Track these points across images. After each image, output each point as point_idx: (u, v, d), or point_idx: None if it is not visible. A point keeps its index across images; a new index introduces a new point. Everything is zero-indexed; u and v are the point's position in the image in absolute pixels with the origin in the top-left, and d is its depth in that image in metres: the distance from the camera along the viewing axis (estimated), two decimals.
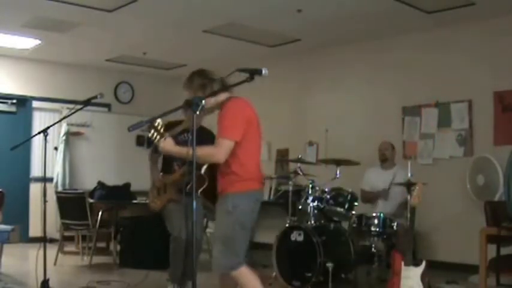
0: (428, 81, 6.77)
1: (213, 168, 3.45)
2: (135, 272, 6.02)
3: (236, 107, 3.38)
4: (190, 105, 2.73)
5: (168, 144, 3.32)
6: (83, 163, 8.63)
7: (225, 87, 3.40)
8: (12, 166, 8.38)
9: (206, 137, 5.36)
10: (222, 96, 3.41)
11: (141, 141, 8.67)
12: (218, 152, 3.27)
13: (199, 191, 3.47)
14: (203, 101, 2.70)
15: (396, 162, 6.15)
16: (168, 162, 4.95)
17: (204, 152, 3.28)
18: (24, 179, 8.64)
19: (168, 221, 4.97)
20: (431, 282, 4.78)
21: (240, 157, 3.32)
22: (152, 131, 3.26)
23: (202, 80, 3.46)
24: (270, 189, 8.14)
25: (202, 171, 3.50)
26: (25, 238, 8.35)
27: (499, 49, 6.18)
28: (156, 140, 3.29)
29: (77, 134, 8.89)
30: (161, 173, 5.04)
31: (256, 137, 3.45)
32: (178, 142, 4.89)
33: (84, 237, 7.22)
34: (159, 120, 3.24)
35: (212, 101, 3.37)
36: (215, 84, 3.42)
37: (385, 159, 6.04)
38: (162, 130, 3.28)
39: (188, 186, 3.88)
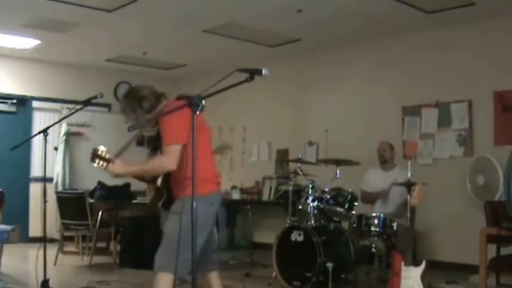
0: (428, 81, 6.77)
1: (168, 178, 3.39)
2: (135, 272, 6.02)
3: (175, 112, 3.19)
4: (190, 105, 2.72)
5: (117, 168, 3.18)
6: (83, 163, 8.61)
7: (157, 100, 3.39)
8: (12, 166, 8.38)
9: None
10: (160, 106, 3.41)
11: (141, 141, 8.66)
12: (168, 160, 3.18)
13: (160, 203, 3.41)
14: (203, 101, 2.70)
15: (396, 162, 6.14)
16: None
17: (154, 163, 3.27)
18: (24, 179, 8.64)
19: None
20: (431, 282, 4.78)
21: (190, 159, 3.14)
22: (97, 160, 3.14)
23: (130, 102, 3.41)
24: (270, 189, 8.15)
25: (158, 183, 3.43)
26: (25, 238, 8.35)
27: (499, 49, 6.18)
28: (104, 167, 3.16)
29: (77, 134, 8.89)
30: None
31: (202, 136, 3.28)
32: None
33: (84, 237, 7.22)
34: (101, 148, 3.15)
35: (150, 116, 3.37)
36: (146, 102, 3.38)
37: (384, 161, 6.03)
38: (107, 156, 3.15)
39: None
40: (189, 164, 3.11)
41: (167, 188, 3.42)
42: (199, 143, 3.15)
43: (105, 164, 3.15)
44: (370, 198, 5.99)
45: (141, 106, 3.36)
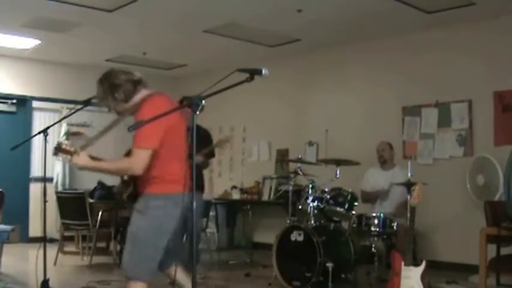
0: (428, 81, 6.77)
1: None
2: None
3: (150, 112, 2.98)
4: (189, 105, 2.72)
5: (81, 160, 3.08)
6: None
7: (134, 88, 3.21)
8: (12, 166, 8.37)
9: (205, 137, 5.51)
10: (138, 96, 3.23)
11: None
12: (134, 165, 3.06)
13: (125, 195, 3.37)
14: (203, 101, 2.69)
15: (396, 162, 6.14)
16: None
17: (121, 166, 3.16)
18: (24, 179, 8.64)
19: None
20: (431, 282, 4.78)
21: (159, 161, 3.12)
22: (60, 154, 3.08)
23: (104, 89, 3.23)
24: (270, 189, 8.15)
25: (125, 176, 3.43)
26: (25, 238, 8.35)
27: (499, 49, 6.18)
28: (70, 160, 3.08)
29: (77, 134, 8.89)
30: None
31: (177, 137, 3.20)
32: None
33: (84, 237, 7.22)
34: (64, 141, 3.11)
35: (128, 106, 3.23)
36: (119, 93, 3.19)
37: (384, 161, 6.03)
38: (71, 149, 3.08)
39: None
40: (156, 164, 3.11)
41: (134, 181, 3.37)
42: (168, 144, 3.13)
43: (70, 157, 3.07)
44: (369, 198, 5.99)
45: (114, 96, 3.20)
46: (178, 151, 3.20)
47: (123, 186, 3.36)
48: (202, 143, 5.37)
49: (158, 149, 3.10)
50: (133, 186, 3.32)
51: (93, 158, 3.13)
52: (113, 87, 3.20)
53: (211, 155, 5.73)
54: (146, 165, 3.07)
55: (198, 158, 5.16)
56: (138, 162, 3.06)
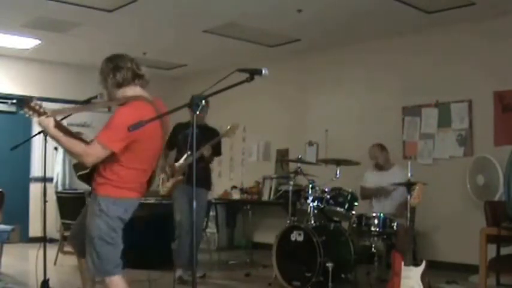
0: (428, 81, 6.77)
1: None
2: (135, 272, 6.01)
3: (126, 114, 3.02)
4: (190, 105, 2.72)
5: (46, 123, 3.01)
6: None
7: (133, 78, 3.18)
8: (12, 166, 8.38)
9: (211, 135, 5.59)
10: (130, 92, 3.19)
11: None
12: (88, 155, 3.02)
13: (79, 173, 3.29)
14: (203, 101, 2.70)
15: (394, 161, 6.14)
16: (179, 154, 5.58)
17: (76, 149, 3.06)
18: (24, 179, 8.64)
19: (174, 206, 5.61)
20: (431, 282, 4.78)
21: (118, 162, 3.08)
22: (26, 109, 2.98)
23: (109, 67, 3.19)
24: (270, 189, 8.16)
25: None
26: (25, 238, 8.35)
27: (499, 49, 6.18)
28: (35, 117, 3.01)
29: (77, 134, 8.88)
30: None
31: (148, 145, 3.15)
32: (186, 135, 5.40)
33: None
34: (35, 101, 3.01)
35: (119, 93, 3.19)
36: (120, 73, 3.16)
37: (381, 166, 6.03)
38: (40, 109, 3.00)
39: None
40: (113, 167, 3.09)
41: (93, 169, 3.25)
42: (132, 154, 3.08)
43: (35, 114, 3.00)
44: (369, 194, 5.98)
45: (114, 75, 3.16)
46: (142, 163, 3.18)
47: (81, 165, 3.22)
48: (210, 138, 5.54)
49: (119, 154, 3.05)
50: (90, 171, 3.22)
51: (60, 127, 3.09)
52: (117, 68, 3.18)
53: (218, 153, 5.85)
54: (98, 161, 3.05)
55: (206, 149, 5.41)
56: (92, 155, 3.03)
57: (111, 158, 3.07)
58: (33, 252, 4.67)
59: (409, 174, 4.74)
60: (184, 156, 5.45)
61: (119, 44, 7.76)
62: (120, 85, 3.18)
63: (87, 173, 3.23)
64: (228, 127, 5.51)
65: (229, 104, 7.61)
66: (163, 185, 5.59)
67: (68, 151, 3.17)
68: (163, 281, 5.35)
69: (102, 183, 3.15)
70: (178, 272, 5.44)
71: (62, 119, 3.62)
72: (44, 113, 3.01)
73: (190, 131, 5.35)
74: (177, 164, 5.52)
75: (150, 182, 3.36)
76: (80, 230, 3.30)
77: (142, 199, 3.42)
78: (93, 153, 3.02)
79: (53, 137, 3.08)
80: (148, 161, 3.23)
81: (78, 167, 3.35)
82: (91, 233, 3.12)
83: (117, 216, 3.15)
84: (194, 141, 2.70)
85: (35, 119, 3.02)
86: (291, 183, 5.89)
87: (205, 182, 5.74)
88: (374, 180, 6.01)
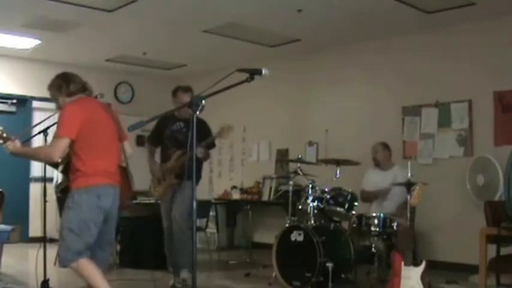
0: (428, 81, 6.77)
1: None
2: (134, 271, 6.02)
3: (72, 107, 3.56)
4: (190, 105, 2.72)
5: (12, 147, 3.66)
6: None
7: (79, 91, 3.67)
8: (12, 166, 8.35)
9: (199, 126, 5.29)
10: (74, 98, 3.66)
11: (141, 141, 8.66)
12: (52, 151, 3.47)
13: (60, 189, 3.79)
14: (203, 101, 2.70)
15: (395, 161, 6.14)
16: (166, 152, 5.25)
17: (41, 152, 3.64)
18: (24, 179, 8.64)
19: (162, 216, 5.31)
20: (431, 282, 4.78)
21: (80, 154, 3.49)
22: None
23: (59, 82, 3.69)
24: (270, 189, 8.15)
25: (59, 170, 3.78)
26: (25, 238, 8.36)
27: (499, 49, 6.18)
28: (5, 146, 3.60)
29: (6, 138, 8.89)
30: (160, 163, 5.35)
31: (102, 134, 3.60)
32: (172, 131, 5.17)
33: None
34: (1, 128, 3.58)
35: (66, 100, 3.64)
36: (72, 85, 3.66)
37: (378, 163, 6.04)
38: (4, 135, 3.63)
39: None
40: (77, 160, 3.50)
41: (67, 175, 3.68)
42: (102, 139, 3.58)
43: (1, 141, 3.61)
44: (369, 197, 5.99)
45: (68, 86, 3.64)
46: (103, 143, 3.59)
47: (64, 181, 3.73)
48: (198, 133, 5.14)
49: (77, 144, 3.47)
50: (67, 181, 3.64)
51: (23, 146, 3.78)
52: (70, 82, 3.68)
53: (212, 145, 5.39)
54: (63, 152, 3.48)
55: (199, 151, 4.91)
56: (56, 149, 3.46)
57: (74, 157, 3.51)
58: (33, 252, 4.67)
59: (409, 174, 4.74)
60: (175, 156, 5.11)
61: (119, 44, 7.79)
62: (70, 95, 3.66)
63: (65, 186, 3.67)
64: (220, 128, 5.06)
65: (229, 104, 7.61)
66: (154, 188, 5.32)
67: (37, 158, 3.72)
68: (167, 280, 5.34)
69: (73, 179, 3.53)
70: (171, 281, 5.23)
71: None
72: (9, 138, 3.63)
73: (177, 126, 5.18)
74: (167, 165, 5.17)
75: (126, 176, 3.78)
76: None
77: (118, 187, 3.68)
78: (56, 147, 3.45)
79: (24, 154, 3.73)
80: (104, 150, 3.61)
81: (59, 187, 3.84)
82: (63, 224, 3.50)
83: (92, 206, 3.48)
84: (194, 142, 2.69)
85: (5, 147, 3.60)
86: (291, 183, 5.88)
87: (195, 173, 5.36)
88: (375, 180, 6.01)
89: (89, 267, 3.44)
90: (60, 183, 3.98)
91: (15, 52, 8.20)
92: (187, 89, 5.35)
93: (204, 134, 5.14)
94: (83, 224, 3.46)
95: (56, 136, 3.46)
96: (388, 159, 6.09)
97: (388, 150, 6.10)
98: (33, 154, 3.79)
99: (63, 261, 3.49)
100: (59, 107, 3.70)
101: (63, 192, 3.76)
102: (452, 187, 6.36)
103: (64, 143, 3.44)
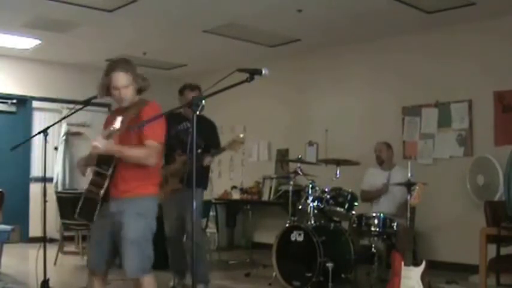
0: (428, 81, 6.77)
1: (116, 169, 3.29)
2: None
3: (159, 110, 3.30)
4: (190, 105, 2.72)
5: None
6: None
7: (140, 91, 3.44)
8: (12, 166, 8.38)
9: (206, 127, 5.09)
10: (137, 96, 3.42)
11: None
12: (152, 155, 3.20)
13: (101, 194, 3.30)
14: (203, 101, 2.70)
15: (395, 162, 6.14)
16: (170, 153, 4.88)
17: (137, 154, 3.20)
18: (24, 179, 8.64)
19: (164, 220, 5.04)
20: (431, 282, 4.78)
21: (159, 162, 3.36)
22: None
23: (136, 71, 3.48)
24: (270, 189, 8.15)
25: (109, 171, 3.29)
26: (25, 238, 8.35)
27: (499, 49, 6.18)
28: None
29: (77, 134, 8.89)
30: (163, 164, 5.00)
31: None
32: (178, 131, 4.97)
33: (84, 237, 7.21)
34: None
35: (133, 94, 3.37)
36: (139, 80, 3.46)
37: (382, 161, 6.03)
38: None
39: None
40: (141, 168, 3.22)
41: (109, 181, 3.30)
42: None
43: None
44: (369, 197, 5.98)
45: (138, 82, 3.43)
46: (161, 158, 3.45)
47: (98, 183, 3.32)
48: (207, 135, 4.97)
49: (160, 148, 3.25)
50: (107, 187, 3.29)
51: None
52: (138, 76, 3.48)
53: (217, 146, 5.13)
54: (159, 159, 3.28)
55: (207, 159, 4.86)
56: (155, 154, 3.21)
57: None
58: (33, 252, 4.66)
59: (409, 174, 4.74)
60: (180, 159, 4.87)
61: (119, 44, 7.79)
62: (140, 91, 3.44)
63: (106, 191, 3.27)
64: (232, 140, 4.88)
65: (229, 104, 7.61)
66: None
67: (133, 159, 3.21)
68: (167, 281, 5.33)
69: (143, 183, 3.27)
70: (171, 282, 5.18)
71: (62, 119, 3.67)
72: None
73: (183, 126, 4.98)
74: (171, 168, 4.91)
75: None
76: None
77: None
78: (155, 153, 3.21)
79: (120, 154, 3.19)
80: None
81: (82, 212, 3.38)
82: (134, 233, 3.20)
83: (154, 214, 3.32)
84: (194, 144, 2.69)
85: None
86: (291, 183, 5.88)
87: (202, 180, 5.07)
88: (375, 179, 6.01)
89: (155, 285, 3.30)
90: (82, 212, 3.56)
91: (15, 52, 8.20)
92: (195, 87, 5.15)
93: (213, 137, 5.07)
94: (149, 232, 3.31)
95: (154, 140, 3.21)
96: (391, 159, 6.10)
97: (391, 150, 6.11)
98: (130, 153, 3.21)
99: (143, 271, 3.25)
100: (118, 95, 3.33)
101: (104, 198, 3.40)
102: (452, 187, 6.36)
103: (160, 149, 3.27)
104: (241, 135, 4.92)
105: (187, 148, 4.80)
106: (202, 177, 5.04)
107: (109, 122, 3.33)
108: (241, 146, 4.97)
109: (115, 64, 3.40)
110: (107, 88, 3.33)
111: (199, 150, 4.88)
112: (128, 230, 3.18)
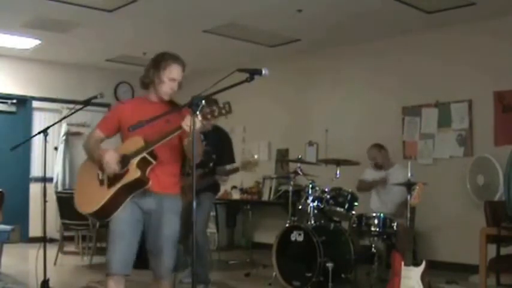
0: (428, 81, 6.77)
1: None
2: (135, 271, 6.00)
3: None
4: (190, 105, 2.72)
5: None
6: None
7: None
8: (12, 166, 8.38)
9: (221, 139, 5.07)
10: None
11: None
12: None
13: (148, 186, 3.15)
14: (203, 101, 2.70)
15: (394, 161, 6.14)
16: (184, 165, 4.81)
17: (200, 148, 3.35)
18: (24, 179, 8.64)
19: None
20: (431, 282, 4.78)
21: (180, 160, 3.34)
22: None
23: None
24: (270, 189, 8.15)
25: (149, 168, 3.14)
26: (25, 238, 8.36)
27: (499, 49, 6.18)
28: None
29: (77, 134, 8.89)
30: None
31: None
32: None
33: (84, 237, 7.22)
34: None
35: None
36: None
37: (380, 166, 6.04)
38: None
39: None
40: (177, 163, 3.27)
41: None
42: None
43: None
44: (366, 187, 5.99)
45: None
46: None
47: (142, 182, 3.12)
48: (222, 149, 4.98)
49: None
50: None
51: None
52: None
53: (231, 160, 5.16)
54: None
55: (222, 178, 5.04)
56: None
57: (181, 152, 3.25)
58: (33, 252, 4.67)
59: (409, 174, 4.74)
60: (197, 173, 4.50)
61: (119, 44, 7.79)
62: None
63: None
64: (246, 161, 4.93)
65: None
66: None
67: (198, 151, 3.13)
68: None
69: (175, 182, 3.28)
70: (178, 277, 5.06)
71: (62, 119, 3.61)
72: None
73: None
74: (189, 181, 4.79)
75: None
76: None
77: None
78: None
79: (198, 139, 3.05)
80: None
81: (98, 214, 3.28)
82: (174, 231, 3.20)
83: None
84: (194, 146, 2.68)
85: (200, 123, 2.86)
86: (291, 183, 5.89)
87: (213, 185, 5.12)
88: (374, 177, 6.01)
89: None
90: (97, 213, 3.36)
91: (15, 52, 8.20)
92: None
93: (227, 151, 5.05)
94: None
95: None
96: (387, 158, 6.09)
97: (384, 150, 6.10)
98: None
99: (176, 267, 3.35)
100: (173, 87, 3.39)
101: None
102: (452, 187, 6.36)
103: None
104: (256, 156, 4.97)
105: (201, 164, 4.63)
106: (215, 183, 5.12)
107: (140, 105, 3.46)
108: (255, 168, 5.05)
109: (176, 56, 3.34)
110: (156, 77, 3.29)
111: (211, 164, 4.89)
112: (169, 227, 3.19)
